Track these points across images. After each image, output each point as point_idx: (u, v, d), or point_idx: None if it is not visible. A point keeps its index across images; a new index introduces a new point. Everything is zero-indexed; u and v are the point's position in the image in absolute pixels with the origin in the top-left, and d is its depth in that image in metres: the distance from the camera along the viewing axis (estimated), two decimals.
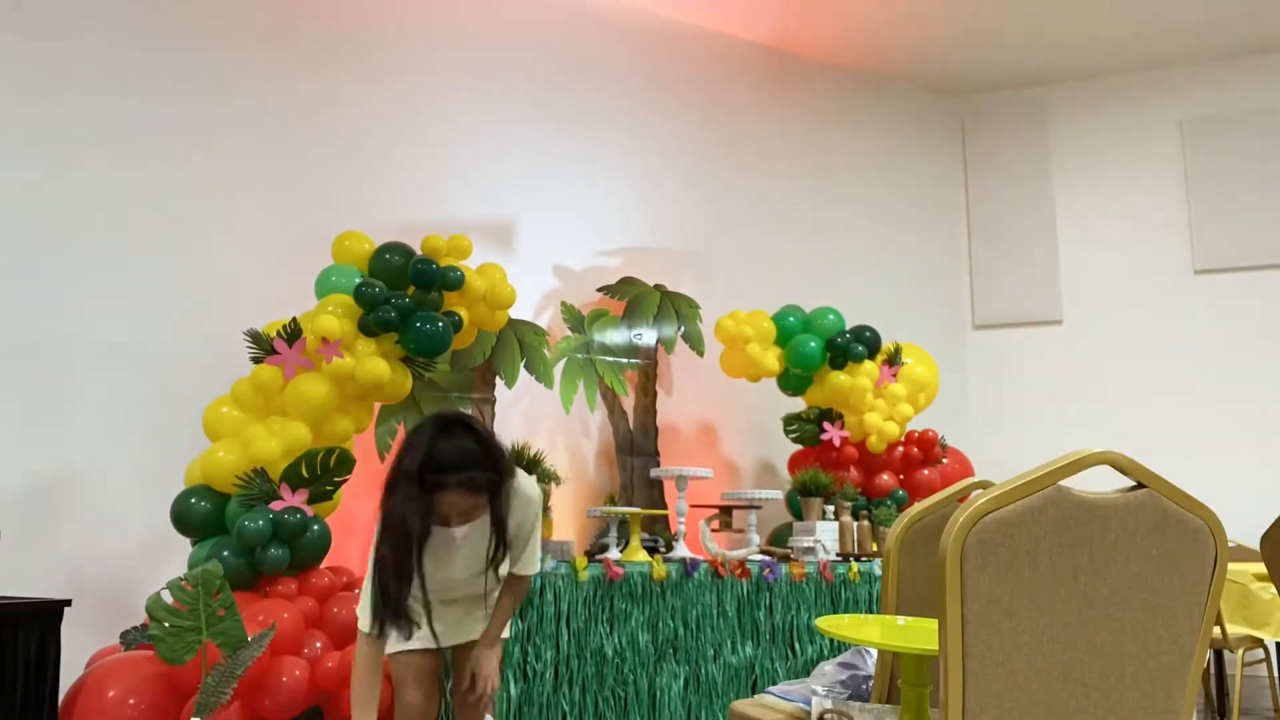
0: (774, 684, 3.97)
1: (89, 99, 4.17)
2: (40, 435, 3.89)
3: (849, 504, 4.49)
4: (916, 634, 1.75)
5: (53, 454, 3.89)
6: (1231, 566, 4.20)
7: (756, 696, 2.32)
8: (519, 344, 4.61)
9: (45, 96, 4.09)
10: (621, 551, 4.06)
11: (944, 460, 5.06)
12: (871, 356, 4.88)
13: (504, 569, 2.42)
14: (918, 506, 2.20)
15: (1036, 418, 6.19)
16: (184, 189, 4.31)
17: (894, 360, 4.96)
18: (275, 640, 3.00)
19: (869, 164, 6.46)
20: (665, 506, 4.79)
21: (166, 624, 2.70)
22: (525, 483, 2.32)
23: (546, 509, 4.01)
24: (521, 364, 4.59)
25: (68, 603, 3.16)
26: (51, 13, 4.15)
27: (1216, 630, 3.92)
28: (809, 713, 2.02)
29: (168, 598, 2.76)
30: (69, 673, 3.19)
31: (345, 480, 3.50)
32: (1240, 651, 3.94)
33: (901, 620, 1.97)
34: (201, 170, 4.36)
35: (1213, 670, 4.53)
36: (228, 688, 2.67)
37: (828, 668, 2.24)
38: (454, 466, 2.11)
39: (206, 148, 4.39)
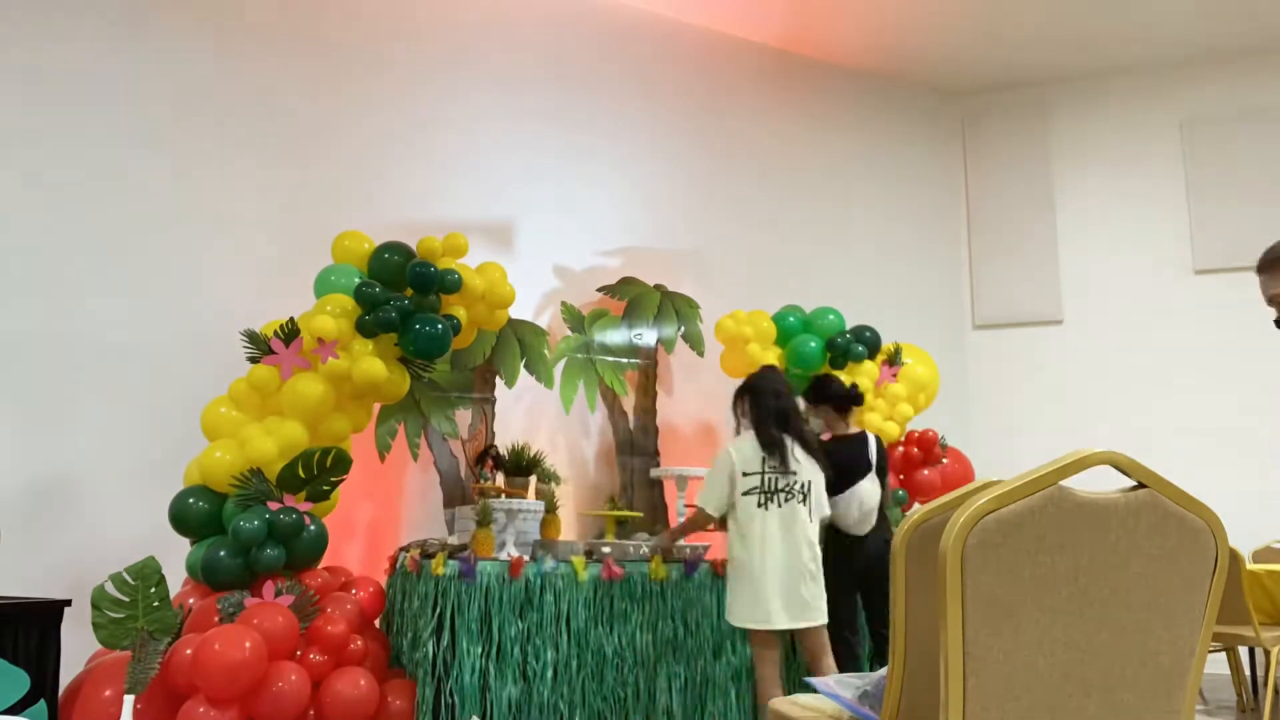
0: None
1: (90, 99, 4.16)
2: (40, 435, 3.88)
3: None
4: None
5: (52, 454, 3.89)
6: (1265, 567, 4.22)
7: (793, 695, 2.31)
8: (519, 344, 4.61)
9: (45, 96, 4.09)
10: None
11: (944, 460, 5.05)
12: (871, 356, 4.87)
13: None
14: (925, 508, 2.18)
15: (1036, 418, 6.18)
16: (184, 188, 4.31)
17: (894, 360, 4.95)
18: (270, 645, 2.98)
19: (869, 164, 6.45)
20: (666, 506, 4.79)
21: (109, 612, 2.96)
22: None
23: (554, 509, 4.00)
24: (521, 364, 4.59)
25: (68, 603, 3.16)
26: (56, 10, 4.15)
27: (1249, 630, 3.91)
28: (846, 712, 2.00)
29: (112, 589, 2.97)
30: (69, 672, 3.19)
31: (342, 480, 3.49)
32: (1276, 650, 3.89)
33: None
34: (202, 170, 4.35)
35: (1245, 668, 4.55)
36: (155, 663, 2.90)
37: (874, 675, 2.23)
38: None
39: (206, 147, 4.38)
